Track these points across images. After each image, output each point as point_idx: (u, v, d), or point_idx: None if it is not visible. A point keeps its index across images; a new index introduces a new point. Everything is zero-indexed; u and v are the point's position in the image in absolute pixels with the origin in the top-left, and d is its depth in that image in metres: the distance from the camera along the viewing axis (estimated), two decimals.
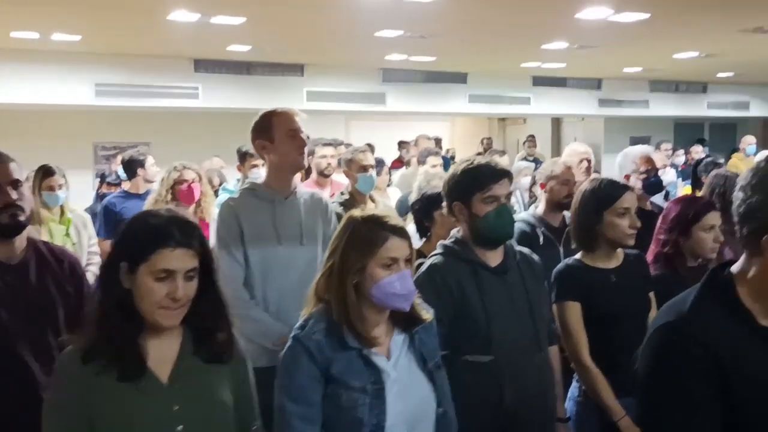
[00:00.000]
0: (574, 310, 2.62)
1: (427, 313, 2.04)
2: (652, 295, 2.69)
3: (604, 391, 2.54)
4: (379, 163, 5.66)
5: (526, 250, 2.58)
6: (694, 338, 1.39)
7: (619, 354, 2.48)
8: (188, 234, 1.67)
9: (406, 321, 2.00)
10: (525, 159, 9.27)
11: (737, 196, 1.43)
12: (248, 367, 1.87)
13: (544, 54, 8.22)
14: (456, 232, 2.47)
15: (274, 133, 2.82)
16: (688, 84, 12.20)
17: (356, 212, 2.02)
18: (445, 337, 2.20)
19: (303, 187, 3.08)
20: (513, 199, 5.62)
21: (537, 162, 7.46)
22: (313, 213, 2.91)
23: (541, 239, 3.53)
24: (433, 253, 2.48)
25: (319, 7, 5.61)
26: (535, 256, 2.57)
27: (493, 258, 2.40)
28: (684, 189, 7.53)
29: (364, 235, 1.92)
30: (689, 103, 12.55)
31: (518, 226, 3.61)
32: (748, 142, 10.38)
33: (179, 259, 1.64)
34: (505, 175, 2.37)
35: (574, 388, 2.69)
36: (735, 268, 1.48)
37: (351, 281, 1.90)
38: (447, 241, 2.47)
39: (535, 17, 6.04)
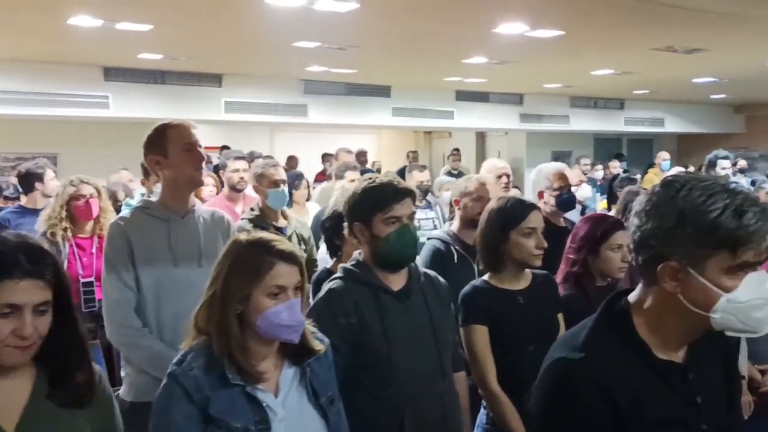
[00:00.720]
0: (481, 334, 2.53)
1: (320, 344, 1.90)
2: (560, 316, 2.63)
3: (512, 417, 2.46)
4: (297, 176, 5.50)
5: (431, 272, 2.48)
6: (588, 377, 1.32)
7: (528, 379, 2.39)
8: (38, 262, 1.47)
9: (296, 353, 1.86)
10: (449, 173, 9.30)
11: (632, 222, 1.36)
12: (114, 405, 1.69)
13: (466, 68, 8.24)
14: (357, 254, 2.34)
15: (168, 147, 2.64)
16: (606, 100, 12.53)
17: (242, 236, 1.88)
18: (344, 366, 2.09)
19: (202, 205, 2.90)
20: (433, 214, 5.59)
21: (461, 176, 7.45)
22: (213, 232, 2.73)
23: (456, 257, 3.46)
24: (332, 277, 2.35)
25: (229, 15, 5.42)
26: (441, 279, 2.47)
27: (396, 281, 2.29)
28: (601, 203, 7.68)
29: (249, 261, 1.78)
30: (608, 119, 12.90)
31: (432, 244, 3.56)
32: (663, 157, 10.76)
33: (27, 292, 1.45)
34: (408, 194, 2.26)
35: (482, 415, 2.60)
36: (632, 297, 1.42)
37: (234, 311, 1.76)
38: (347, 264, 2.34)
39: (454, 31, 6.02)
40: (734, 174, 11.23)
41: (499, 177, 4.39)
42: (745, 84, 10.54)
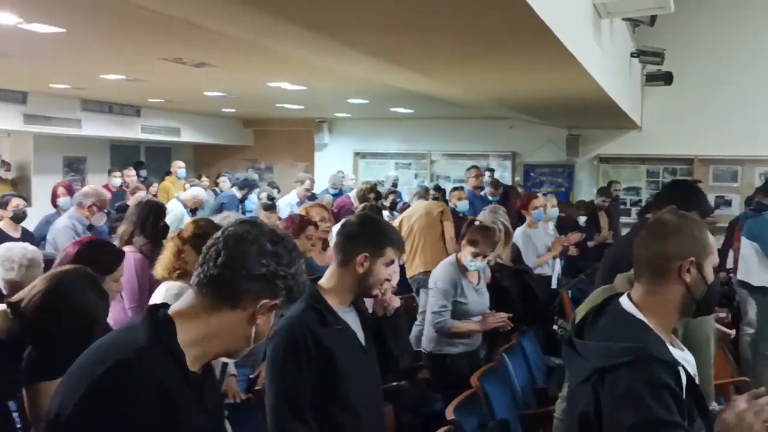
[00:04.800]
0: None
1: None
2: None
3: None
4: None
5: None
6: (147, 377, 1.42)
7: None
8: None
9: None
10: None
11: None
12: None
13: None
14: None
15: None
16: (122, 106, 12.23)
17: None
18: None
19: None
20: None
21: None
22: None
23: None
24: None
25: None
26: None
27: None
28: None
29: None
30: (124, 126, 12.61)
31: None
32: (178, 166, 11.07)
33: None
34: None
35: None
36: (177, 306, 1.56)
37: None
38: None
39: None
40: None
41: None
42: (251, 101, 11.48)
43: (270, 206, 7.24)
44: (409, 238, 6.76)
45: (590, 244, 8.38)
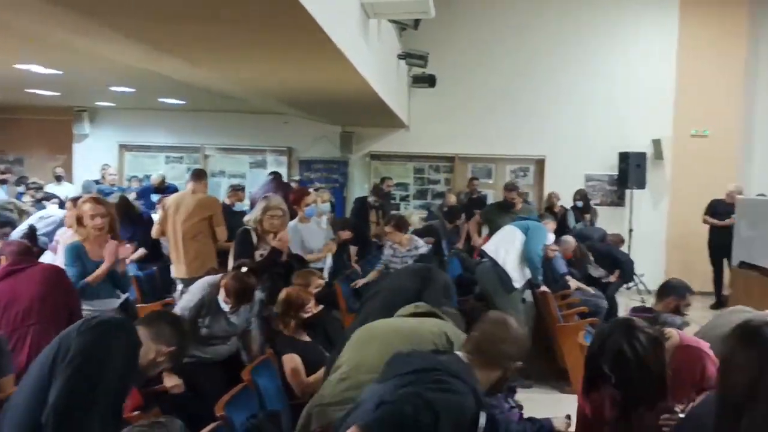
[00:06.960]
0: None
1: None
2: None
3: None
4: None
5: None
6: None
7: None
8: None
9: None
10: None
11: None
12: None
13: None
14: None
15: None
16: None
17: None
18: None
19: None
20: None
21: None
22: None
23: None
24: None
25: None
26: None
27: None
28: None
29: None
30: None
31: None
32: None
33: None
34: None
35: None
36: None
37: None
38: None
39: None
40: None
41: None
42: None
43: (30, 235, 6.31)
44: (173, 238, 6.44)
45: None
